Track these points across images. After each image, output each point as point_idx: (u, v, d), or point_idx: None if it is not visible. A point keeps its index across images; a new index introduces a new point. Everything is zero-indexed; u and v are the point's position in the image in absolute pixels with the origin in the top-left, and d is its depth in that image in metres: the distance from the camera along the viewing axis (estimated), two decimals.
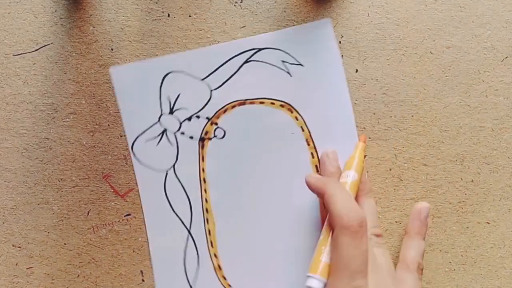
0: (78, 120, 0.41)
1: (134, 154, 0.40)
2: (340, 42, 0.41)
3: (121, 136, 0.41)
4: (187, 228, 0.41)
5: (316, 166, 0.41)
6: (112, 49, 0.40)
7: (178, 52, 0.40)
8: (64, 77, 0.40)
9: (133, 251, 0.41)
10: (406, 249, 0.38)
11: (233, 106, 0.40)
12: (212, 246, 0.41)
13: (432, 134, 0.41)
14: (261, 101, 0.40)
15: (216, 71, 0.40)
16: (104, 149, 0.41)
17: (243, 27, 0.41)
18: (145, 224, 0.41)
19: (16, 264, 0.41)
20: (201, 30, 0.41)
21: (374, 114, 0.41)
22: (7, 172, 0.41)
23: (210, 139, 0.41)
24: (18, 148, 0.41)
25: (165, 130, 0.40)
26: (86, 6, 0.40)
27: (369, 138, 0.41)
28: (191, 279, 0.41)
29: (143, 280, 0.41)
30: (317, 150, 0.41)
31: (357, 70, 0.41)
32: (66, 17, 0.40)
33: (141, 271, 0.41)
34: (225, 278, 0.40)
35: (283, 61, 0.40)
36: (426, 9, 0.41)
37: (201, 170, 0.41)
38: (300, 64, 0.40)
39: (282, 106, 0.40)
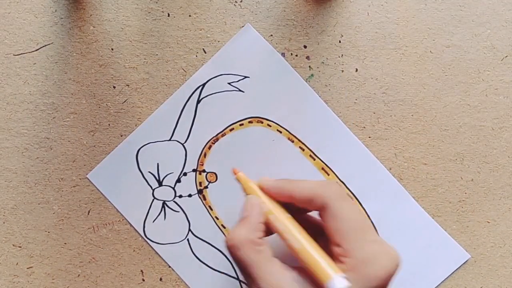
0: (78, 120, 0.41)
1: (150, 240, 0.41)
2: (339, 42, 0.41)
3: (121, 136, 0.41)
4: (237, 279, 0.41)
5: (310, 155, 0.41)
6: (112, 49, 0.40)
7: (135, 128, 0.41)
8: (65, 77, 0.40)
9: (134, 250, 0.41)
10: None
11: (209, 147, 0.41)
12: None
13: (432, 133, 0.41)
14: (230, 128, 0.41)
15: (178, 126, 0.41)
16: (105, 149, 0.41)
17: (243, 26, 0.41)
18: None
19: (17, 264, 0.41)
20: (201, 30, 0.41)
21: (374, 113, 0.41)
22: (8, 172, 0.41)
23: (206, 187, 0.41)
24: (19, 147, 0.41)
25: (164, 202, 0.41)
26: (86, 6, 0.40)
27: (369, 137, 0.41)
28: None
29: (143, 280, 0.41)
30: (303, 141, 0.41)
31: (357, 70, 0.41)
32: (66, 17, 0.40)
33: (141, 271, 0.41)
34: None
35: (229, 83, 0.40)
36: (426, 8, 0.41)
37: (215, 219, 0.41)
38: (245, 77, 0.41)
39: (250, 122, 0.41)
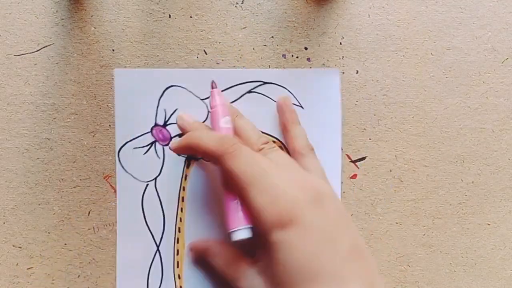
0: (79, 121, 0.41)
1: (119, 159, 0.41)
2: (340, 43, 0.41)
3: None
4: (156, 244, 0.41)
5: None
6: (113, 50, 0.41)
7: (185, 67, 0.40)
8: (65, 78, 0.40)
9: None
10: (291, 139, 0.39)
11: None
12: (177, 266, 0.40)
13: (433, 135, 0.41)
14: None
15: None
16: (105, 150, 0.41)
17: (244, 28, 0.41)
18: (116, 232, 0.40)
19: (17, 264, 0.41)
20: (202, 31, 0.41)
21: (374, 115, 0.41)
22: (8, 173, 0.41)
23: (197, 159, 0.41)
24: (19, 148, 0.41)
25: (154, 142, 0.41)
26: (87, 6, 0.40)
27: (370, 139, 0.41)
28: None
29: None
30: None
31: (357, 71, 0.41)
32: (67, 18, 0.40)
33: None
34: None
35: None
36: (427, 10, 0.41)
37: (182, 189, 0.41)
38: (300, 106, 0.41)
39: (274, 142, 0.40)
